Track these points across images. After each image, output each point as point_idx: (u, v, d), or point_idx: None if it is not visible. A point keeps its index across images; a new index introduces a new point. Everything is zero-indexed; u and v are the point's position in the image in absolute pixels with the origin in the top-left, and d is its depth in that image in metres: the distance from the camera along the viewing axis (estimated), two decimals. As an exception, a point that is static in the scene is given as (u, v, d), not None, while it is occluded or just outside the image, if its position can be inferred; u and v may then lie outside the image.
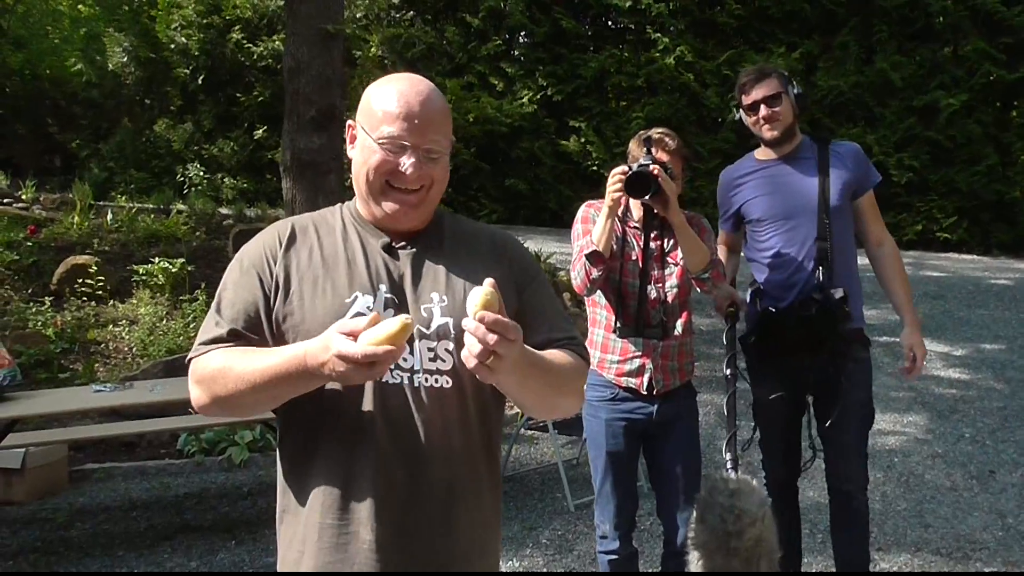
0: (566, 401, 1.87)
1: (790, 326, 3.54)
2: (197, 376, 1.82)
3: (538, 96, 16.28)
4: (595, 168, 15.80)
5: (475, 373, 1.63)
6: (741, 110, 3.75)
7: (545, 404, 1.85)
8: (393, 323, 1.61)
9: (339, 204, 2.05)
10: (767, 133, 3.66)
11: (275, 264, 1.91)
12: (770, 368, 3.66)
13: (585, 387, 3.66)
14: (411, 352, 1.84)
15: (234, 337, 1.85)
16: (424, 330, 1.85)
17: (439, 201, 1.99)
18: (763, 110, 3.63)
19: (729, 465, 3.34)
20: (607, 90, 16.36)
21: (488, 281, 1.65)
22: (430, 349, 1.85)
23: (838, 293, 3.46)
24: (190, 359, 1.85)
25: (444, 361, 1.86)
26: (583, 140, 16.00)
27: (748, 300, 3.72)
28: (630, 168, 3.27)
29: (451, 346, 1.85)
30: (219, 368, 1.78)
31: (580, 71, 16.30)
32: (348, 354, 1.61)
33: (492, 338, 1.58)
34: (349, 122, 2.00)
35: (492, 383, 1.69)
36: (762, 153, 3.80)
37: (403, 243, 1.96)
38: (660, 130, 3.47)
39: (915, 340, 3.62)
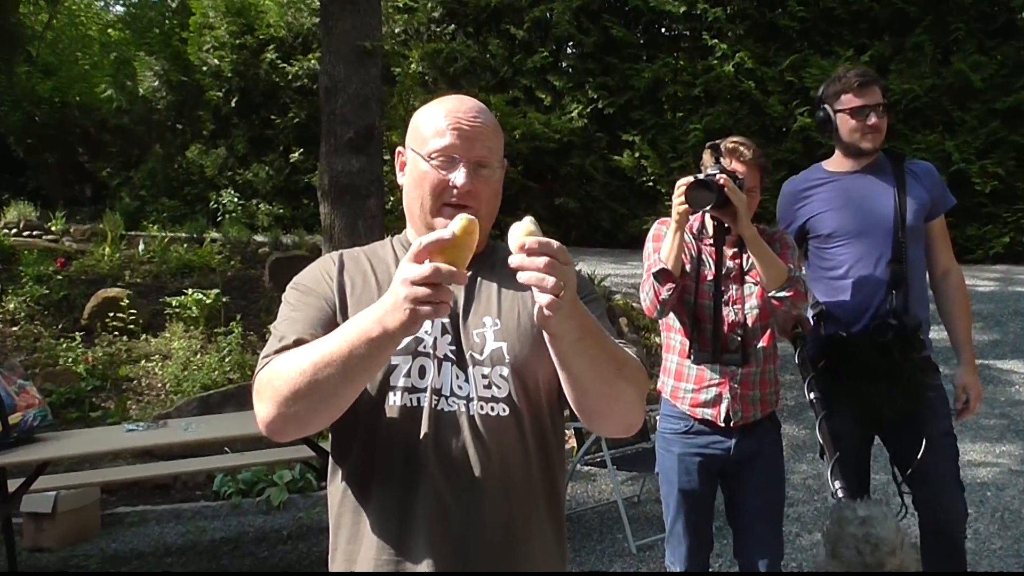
0: (629, 390, 1.82)
1: (863, 352, 3.52)
2: (261, 385, 1.81)
3: (588, 109, 16.29)
4: (650, 184, 15.72)
5: (538, 318, 1.63)
6: (831, 109, 3.68)
7: (607, 385, 1.80)
8: (454, 224, 1.63)
9: (388, 237, 2.12)
10: (867, 143, 3.62)
11: (332, 284, 1.97)
12: (840, 396, 3.61)
13: (658, 418, 3.72)
14: (466, 379, 1.88)
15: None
16: (477, 356, 1.89)
17: (491, 225, 2.03)
18: (872, 118, 3.59)
19: (840, 494, 3.23)
20: (662, 101, 16.31)
21: (527, 218, 1.69)
22: (484, 376, 1.88)
23: (914, 319, 3.46)
24: (256, 373, 1.86)
25: (500, 388, 1.88)
26: (637, 155, 15.96)
27: (812, 322, 3.69)
28: (695, 178, 3.26)
29: (506, 371, 1.88)
30: (284, 365, 1.77)
31: (632, 82, 16.28)
32: (413, 276, 1.60)
33: (541, 261, 1.59)
34: (399, 149, 2.06)
35: (553, 332, 1.69)
36: (835, 164, 3.76)
37: None
38: (736, 139, 3.46)
39: (970, 380, 3.62)
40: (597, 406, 1.83)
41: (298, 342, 1.84)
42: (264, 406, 1.79)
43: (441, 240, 1.62)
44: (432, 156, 1.93)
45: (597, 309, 1.98)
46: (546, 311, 1.61)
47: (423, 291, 1.60)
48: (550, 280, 1.59)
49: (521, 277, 1.60)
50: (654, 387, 3.58)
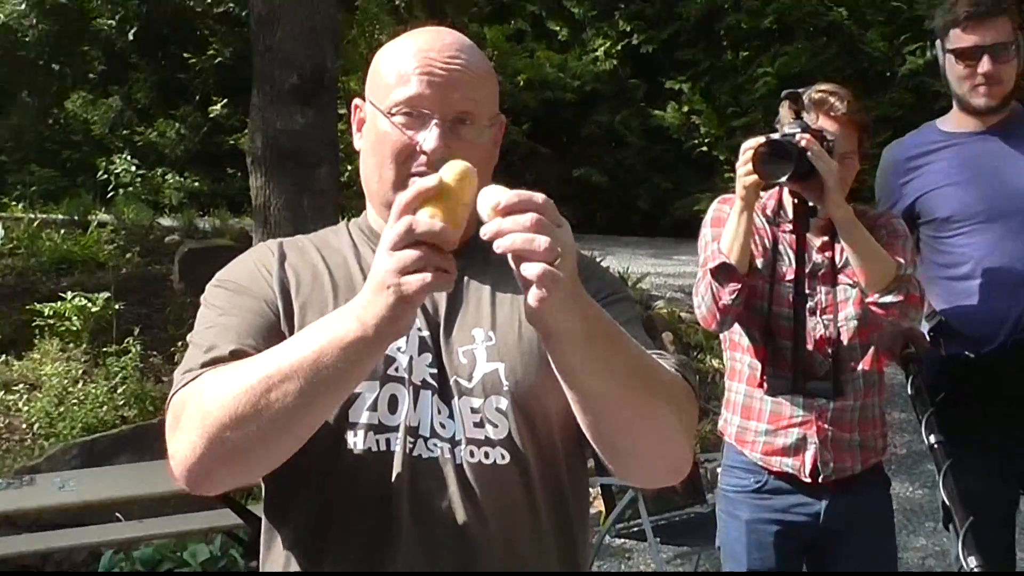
0: (665, 412, 1.81)
1: (1000, 379, 3.55)
2: (181, 410, 1.80)
3: (619, 47, 16.34)
4: (704, 148, 15.73)
5: (527, 309, 1.62)
6: (941, 48, 3.68)
7: (631, 403, 1.78)
8: (444, 171, 1.66)
9: (344, 221, 2.17)
10: (979, 97, 3.62)
11: (272, 280, 1.98)
12: (970, 441, 3.58)
13: (719, 471, 3.68)
14: (450, 414, 1.89)
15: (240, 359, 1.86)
16: (464, 382, 1.91)
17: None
18: (985, 63, 3.56)
19: (976, 570, 3.22)
20: (719, 36, 16.34)
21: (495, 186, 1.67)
22: (474, 410, 1.89)
23: None
24: (173, 394, 1.86)
25: (496, 427, 1.89)
26: (686, 109, 16.00)
27: (928, 338, 3.71)
28: (769, 139, 3.26)
29: (504, 403, 1.89)
30: (219, 381, 1.78)
31: (679, 10, 16.32)
32: (392, 238, 1.61)
33: (526, 218, 1.58)
34: (356, 102, 2.07)
35: (551, 326, 1.66)
36: (953, 122, 3.76)
37: None
38: (824, 87, 3.47)
39: None
40: (618, 433, 1.82)
41: (236, 354, 1.84)
42: (184, 441, 1.77)
43: (423, 191, 1.62)
44: (394, 110, 1.94)
45: (626, 312, 1.99)
46: (537, 290, 1.58)
47: (409, 256, 1.58)
48: (541, 240, 1.57)
49: (501, 245, 1.59)
50: (711, 428, 3.56)
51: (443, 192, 1.63)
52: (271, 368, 1.70)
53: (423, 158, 1.92)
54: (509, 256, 1.60)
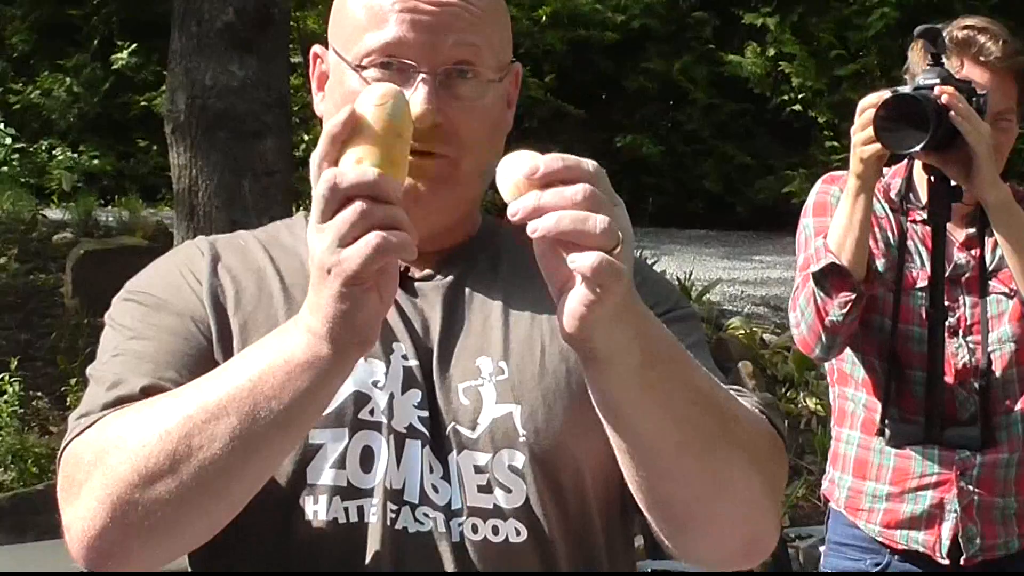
0: (743, 465, 1.80)
1: None
2: (79, 465, 1.80)
3: (677, -30, 16.33)
4: (796, 108, 15.72)
5: (588, 299, 1.56)
6: None
7: (699, 454, 1.77)
8: (367, 98, 1.65)
9: (299, 213, 2.18)
10: None
11: (202, 290, 1.99)
12: None
13: (823, 550, 3.65)
14: (445, 474, 1.90)
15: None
16: (466, 431, 1.92)
17: (484, 188, 2.06)
18: None
19: None
20: (815, -48, 16.36)
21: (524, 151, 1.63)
22: (479, 469, 1.91)
23: None
24: (66, 445, 1.86)
25: (509, 491, 1.90)
26: (771, 53, 15.99)
27: None
28: (895, 94, 3.26)
29: (521, 459, 1.91)
30: (126, 427, 1.78)
31: (760, -85, 16.34)
32: (320, 201, 1.60)
33: (576, 190, 1.54)
34: (315, 49, 2.12)
35: (595, 342, 1.63)
36: None
37: (427, 271, 2.06)
38: (972, 21, 3.49)
39: None
40: (679, 497, 1.81)
41: (148, 391, 1.84)
42: (82, 508, 1.76)
43: (337, 133, 1.61)
44: (365, 61, 1.95)
45: (689, 334, 1.99)
46: (588, 291, 1.55)
47: (344, 220, 1.57)
48: (599, 219, 1.53)
49: (540, 227, 1.55)
50: (804, 492, 3.56)
51: (365, 127, 1.62)
52: (192, 406, 1.70)
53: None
54: (537, 251, 1.59)
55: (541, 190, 1.55)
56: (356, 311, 1.61)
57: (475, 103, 1.96)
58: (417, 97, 1.90)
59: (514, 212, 1.56)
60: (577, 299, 1.56)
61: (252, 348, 1.75)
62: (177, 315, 1.96)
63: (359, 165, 1.59)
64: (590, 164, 1.57)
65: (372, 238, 1.56)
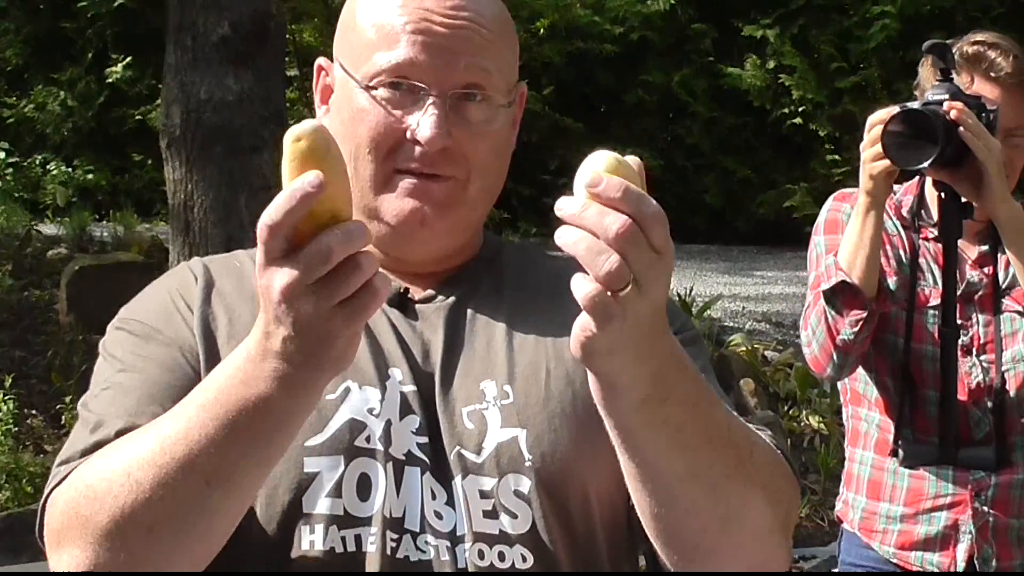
0: (757, 502, 1.81)
1: None
2: (60, 515, 1.81)
3: (677, -20, 16.36)
4: (797, 121, 15.74)
5: (585, 329, 1.56)
6: None
7: (715, 493, 1.77)
8: (300, 128, 1.57)
9: None
10: None
11: (193, 319, 2.00)
12: None
13: (838, 571, 3.63)
14: (449, 499, 1.91)
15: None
16: (471, 455, 1.93)
17: (488, 210, 2.10)
18: None
19: None
20: (815, -38, 16.38)
21: (608, 154, 1.59)
22: (484, 494, 1.92)
23: None
24: (48, 494, 1.87)
25: (515, 516, 1.91)
26: (771, 65, 16.03)
27: None
28: (904, 110, 3.27)
29: (527, 484, 1.92)
30: (99, 473, 1.77)
31: (760, -74, 16.38)
32: (273, 220, 1.55)
33: (617, 221, 1.51)
34: (320, 62, 2.13)
35: (600, 373, 1.63)
36: None
37: (428, 292, 2.08)
38: (983, 36, 3.50)
39: None
40: (689, 527, 1.81)
41: (124, 433, 1.84)
42: (68, 553, 1.78)
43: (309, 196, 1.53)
44: (375, 81, 1.97)
45: (696, 358, 1.96)
46: (583, 320, 1.56)
47: (349, 282, 1.53)
48: (610, 260, 1.51)
49: (562, 239, 1.54)
50: (808, 512, 3.55)
51: (307, 154, 1.56)
52: (155, 442, 1.71)
53: (417, 150, 1.94)
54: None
55: (592, 201, 1.53)
56: (344, 345, 1.60)
57: (484, 127, 1.98)
58: (427, 120, 1.92)
59: (558, 208, 1.55)
60: (579, 324, 1.57)
61: (210, 379, 1.72)
62: (166, 345, 1.97)
63: (341, 224, 1.55)
64: (650, 205, 1.54)
65: (369, 301, 1.56)
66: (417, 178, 1.97)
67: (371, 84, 1.96)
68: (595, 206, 1.51)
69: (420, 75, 1.94)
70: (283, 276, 1.54)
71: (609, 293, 1.52)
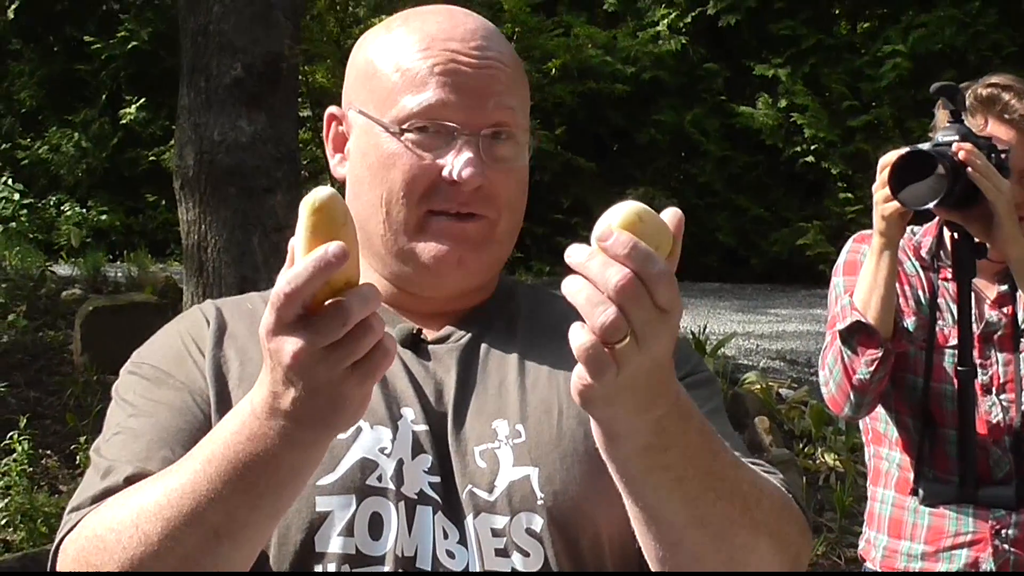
0: (764, 549, 1.81)
1: None
2: (74, 556, 1.82)
3: (689, 19, 16.36)
4: (810, 160, 15.71)
5: (581, 377, 1.56)
6: None
7: (721, 540, 1.77)
8: (316, 196, 1.57)
9: None
10: None
11: (205, 362, 2.01)
12: None
13: None
14: (461, 538, 1.91)
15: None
16: (482, 494, 1.94)
17: (511, 248, 2.12)
18: None
19: None
20: (828, 1, 16.38)
21: (636, 204, 1.58)
22: (497, 532, 1.92)
23: None
24: (59, 541, 1.87)
25: (528, 555, 1.91)
26: (783, 104, 15.99)
27: None
28: (913, 152, 3.28)
29: (539, 523, 1.92)
30: (108, 523, 1.78)
31: (772, -35, 16.38)
32: (293, 288, 1.54)
33: (618, 273, 1.50)
34: (331, 111, 2.14)
35: (600, 421, 1.64)
36: None
37: (441, 332, 2.09)
38: (997, 79, 3.49)
39: None
40: (692, 570, 1.81)
41: (132, 480, 1.85)
42: None
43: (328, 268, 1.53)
44: (407, 124, 1.97)
45: (707, 401, 2.00)
46: (579, 369, 1.56)
47: (361, 344, 1.54)
48: (607, 312, 1.52)
49: (565, 288, 1.55)
50: (825, 550, 3.55)
51: (324, 226, 1.57)
52: (162, 495, 1.71)
53: (451, 191, 1.95)
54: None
55: (599, 251, 1.53)
56: (356, 406, 1.61)
57: (512, 165, 2.00)
58: (462, 159, 1.94)
59: (567, 255, 1.54)
60: (576, 371, 1.57)
61: (216, 431, 1.72)
62: (176, 390, 1.98)
63: (356, 288, 1.56)
64: (656, 264, 1.53)
65: (381, 360, 1.57)
66: (452, 219, 1.98)
67: (404, 127, 1.97)
68: (600, 256, 1.51)
69: (451, 115, 1.96)
70: (295, 342, 1.54)
71: (605, 345, 1.52)
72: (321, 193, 1.55)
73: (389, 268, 2.04)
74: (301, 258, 1.54)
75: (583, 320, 1.53)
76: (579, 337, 1.53)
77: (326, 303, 1.54)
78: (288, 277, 1.52)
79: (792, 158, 16.05)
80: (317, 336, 1.52)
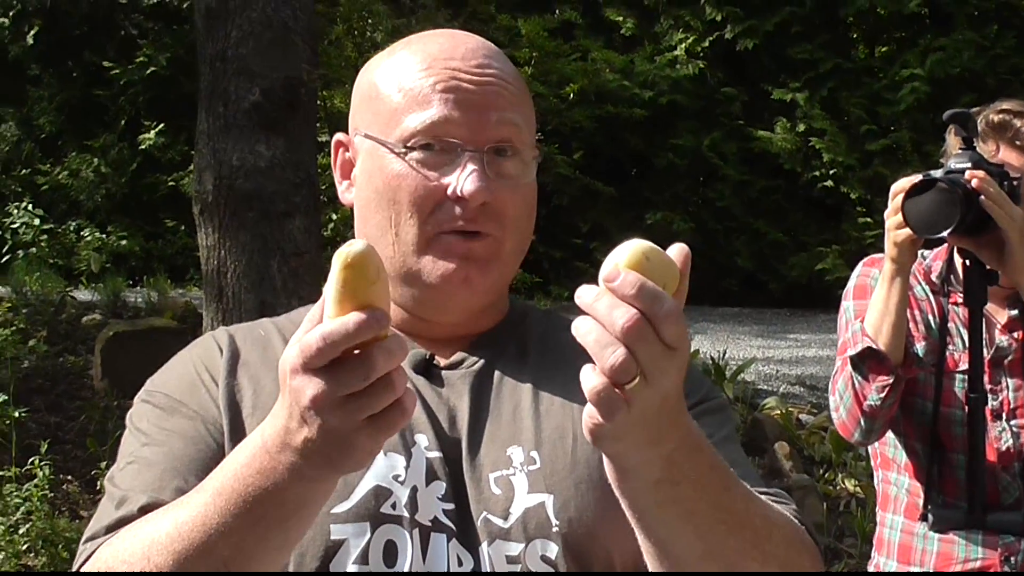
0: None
1: None
2: None
3: (707, 44, 16.34)
4: (828, 184, 15.67)
5: (592, 416, 1.57)
6: None
7: (727, 568, 1.78)
8: (350, 250, 1.57)
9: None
10: None
11: (219, 391, 2.01)
12: None
13: None
14: (476, 566, 1.91)
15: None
16: (497, 521, 1.93)
17: (517, 270, 2.12)
18: None
19: None
20: (846, 25, 16.34)
21: (646, 244, 1.59)
22: (512, 559, 1.91)
23: None
24: (77, 570, 1.89)
25: None
26: (801, 128, 15.96)
27: None
28: (924, 178, 3.29)
29: (555, 550, 1.92)
30: (121, 554, 1.79)
31: (790, -9, 16.37)
32: (332, 339, 1.54)
33: (625, 314, 1.51)
34: (338, 138, 2.14)
35: (611, 457, 1.66)
36: None
37: (454, 358, 2.09)
38: (1009, 105, 3.49)
39: None
40: None
41: (147, 510, 1.86)
42: None
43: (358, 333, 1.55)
44: (411, 143, 1.98)
45: (719, 428, 2.01)
46: (590, 409, 1.57)
47: (380, 399, 1.55)
48: (616, 354, 1.53)
49: (577, 331, 1.56)
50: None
51: (356, 283, 1.57)
52: (172, 527, 1.72)
53: (457, 208, 1.95)
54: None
55: (606, 292, 1.54)
56: (364, 456, 1.62)
57: (518, 182, 2.01)
58: (467, 175, 1.94)
59: (576, 296, 1.56)
60: (587, 410, 1.57)
61: (228, 462, 1.72)
62: (189, 418, 1.99)
63: (384, 341, 1.56)
64: (664, 303, 1.54)
65: (397, 419, 1.57)
66: (458, 237, 1.98)
67: (408, 146, 1.97)
68: (607, 297, 1.52)
69: (454, 132, 1.96)
70: (317, 385, 1.54)
71: (615, 386, 1.52)
72: (355, 248, 1.55)
73: (399, 292, 2.03)
74: (331, 308, 1.55)
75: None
76: (590, 380, 1.54)
77: (354, 351, 1.54)
78: (323, 333, 1.52)
79: (810, 182, 16.01)
80: (338, 385, 1.53)
